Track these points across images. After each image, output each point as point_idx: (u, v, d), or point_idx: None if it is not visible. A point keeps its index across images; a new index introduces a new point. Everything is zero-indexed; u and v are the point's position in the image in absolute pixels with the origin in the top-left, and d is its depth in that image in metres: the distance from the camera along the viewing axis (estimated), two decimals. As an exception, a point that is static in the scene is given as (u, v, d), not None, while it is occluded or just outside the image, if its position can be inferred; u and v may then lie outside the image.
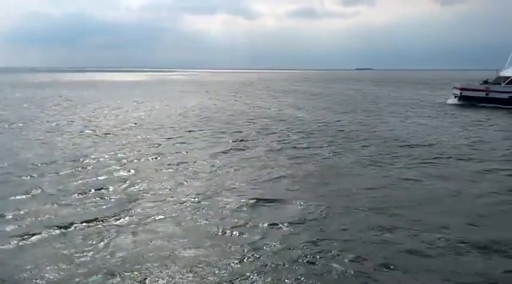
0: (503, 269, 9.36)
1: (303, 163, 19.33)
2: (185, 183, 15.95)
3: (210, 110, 43.16)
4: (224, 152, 21.86)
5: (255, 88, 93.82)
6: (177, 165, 18.79)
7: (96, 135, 26.97)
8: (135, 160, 19.59)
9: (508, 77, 50.10)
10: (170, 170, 17.94)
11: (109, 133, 27.42)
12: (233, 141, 24.91)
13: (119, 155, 20.65)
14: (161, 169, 17.99)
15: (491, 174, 17.79)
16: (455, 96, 54.70)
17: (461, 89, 54.48)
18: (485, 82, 52.50)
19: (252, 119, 35.76)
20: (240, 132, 28.74)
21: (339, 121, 34.96)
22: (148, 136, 26.44)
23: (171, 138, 25.86)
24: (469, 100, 52.11)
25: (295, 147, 23.21)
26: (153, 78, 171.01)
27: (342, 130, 29.53)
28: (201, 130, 29.35)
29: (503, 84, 50.37)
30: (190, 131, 28.82)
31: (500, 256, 10.06)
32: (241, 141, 25.17)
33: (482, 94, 51.48)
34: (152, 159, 20.08)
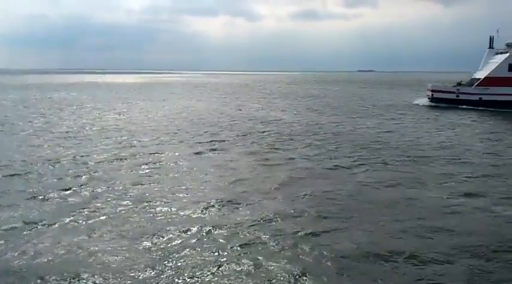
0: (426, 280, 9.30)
1: (267, 166, 19.29)
2: (144, 184, 15.87)
3: (196, 112, 42.91)
4: (197, 153, 21.72)
5: (249, 90, 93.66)
6: (143, 165, 18.73)
7: (73, 137, 26.73)
8: (101, 162, 19.38)
9: (479, 79, 51.18)
10: (132, 170, 17.89)
11: (88, 134, 27.36)
12: (208, 144, 24.65)
13: (92, 156, 20.43)
14: (124, 169, 17.94)
15: (446, 178, 17.59)
16: (428, 98, 55.50)
17: (432, 91, 55.11)
18: (459, 84, 52.99)
19: (235, 121, 35.57)
20: (219, 134, 28.53)
21: (318, 123, 34.87)
22: (124, 138, 26.20)
23: (148, 140, 25.62)
24: (439, 102, 52.77)
25: (267, 151, 22.94)
26: (149, 80, 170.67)
27: (318, 134, 29.15)
28: (181, 132, 29.10)
29: (473, 86, 51.33)
30: (168, 133, 28.59)
31: (428, 264, 9.95)
32: (217, 143, 24.99)
33: (453, 96, 52.17)
34: (120, 160, 19.88)
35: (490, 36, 53.46)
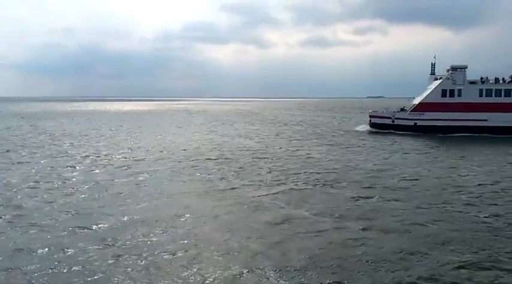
0: None
1: (205, 194, 20.93)
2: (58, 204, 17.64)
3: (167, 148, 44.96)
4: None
5: (241, 117, 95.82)
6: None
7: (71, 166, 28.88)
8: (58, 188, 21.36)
9: (414, 105, 52.75)
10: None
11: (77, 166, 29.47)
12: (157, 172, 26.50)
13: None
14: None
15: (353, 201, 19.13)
16: (368, 124, 56.90)
17: (370, 116, 56.65)
18: (402, 109, 54.09)
19: (198, 147, 37.48)
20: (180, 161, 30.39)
21: (277, 149, 36.56)
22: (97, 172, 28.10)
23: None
24: (377, 127, 54.11)
25: (213, 180, 24.67)
26: (157, 108, 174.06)
27: (270, 160, 30.89)
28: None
29: (408, 112, 52.75)
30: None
31: None
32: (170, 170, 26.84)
33: (389, 121, 53.49)
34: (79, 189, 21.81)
35: (432, 63, 54.62)
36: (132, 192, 20.39)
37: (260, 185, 21.98)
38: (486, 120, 49.15)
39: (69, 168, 26.82)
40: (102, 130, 55.71)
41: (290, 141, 43.46)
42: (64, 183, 22.33)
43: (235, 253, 12.74)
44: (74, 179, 23.24)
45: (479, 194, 20.26)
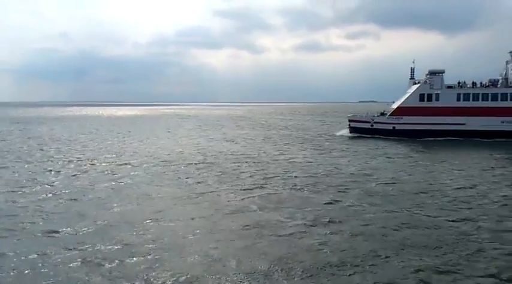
0: None
1: (179, 197, 21.07)
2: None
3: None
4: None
5: (232, 122, 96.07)
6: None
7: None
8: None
9: (393, 109, 53.19)
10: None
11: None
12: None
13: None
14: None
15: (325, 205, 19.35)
16: (348, 128, 57.28)
17: (349, 121, 56.73)
18: (382, 113, 54.55)
19: (181, 151, 37.65)
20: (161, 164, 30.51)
21: (262, 153, 36.81)
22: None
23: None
24: (356, 132, 54.36)
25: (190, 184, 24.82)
26: (151, 112, 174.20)
27: (252, 165, 31.12)
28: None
29: (387, 116, 53.19)
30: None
31: None
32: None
33: (368, 125, 53.85)
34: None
35: (411, 67, 55.19)
36: (110, 196, 20.52)
37: (237, 189, 22.10)
38: (464, 124, 49.61)
39: (51, 172, 26.89)
40: (91, 135, 55.72)
41: (275, 145, 43.67)
42: (43, 187, 22.40)
43: (200, 256, 12.87)
44: (54, 184, 23.32)
45: (453, 198, 20.52)
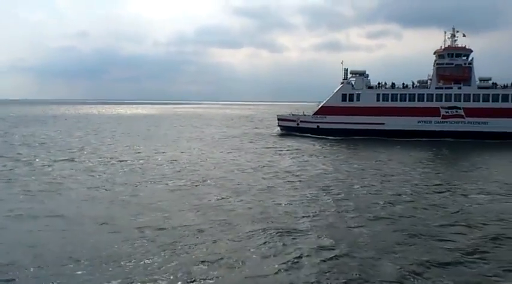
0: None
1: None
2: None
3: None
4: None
5: (225, 121, 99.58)
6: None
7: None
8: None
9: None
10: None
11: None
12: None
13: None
14: None
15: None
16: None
17: (278, 120, 59.32)
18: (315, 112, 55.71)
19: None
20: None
21: (214, 152, 40.33)
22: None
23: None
24: (285, 130, 56.64)
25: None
26: (165, 111, 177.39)
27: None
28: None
29: (312, 115, 54.88)
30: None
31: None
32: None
33: (294, 124, 55.94)
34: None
35: (345, 68, 55.74)
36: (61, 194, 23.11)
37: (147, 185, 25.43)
38: (383, 124, 50.82)
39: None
40: (88, 137, 59.00)
41: (241, 142, 47.76)
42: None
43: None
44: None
45: (348, 192, 23.80)
